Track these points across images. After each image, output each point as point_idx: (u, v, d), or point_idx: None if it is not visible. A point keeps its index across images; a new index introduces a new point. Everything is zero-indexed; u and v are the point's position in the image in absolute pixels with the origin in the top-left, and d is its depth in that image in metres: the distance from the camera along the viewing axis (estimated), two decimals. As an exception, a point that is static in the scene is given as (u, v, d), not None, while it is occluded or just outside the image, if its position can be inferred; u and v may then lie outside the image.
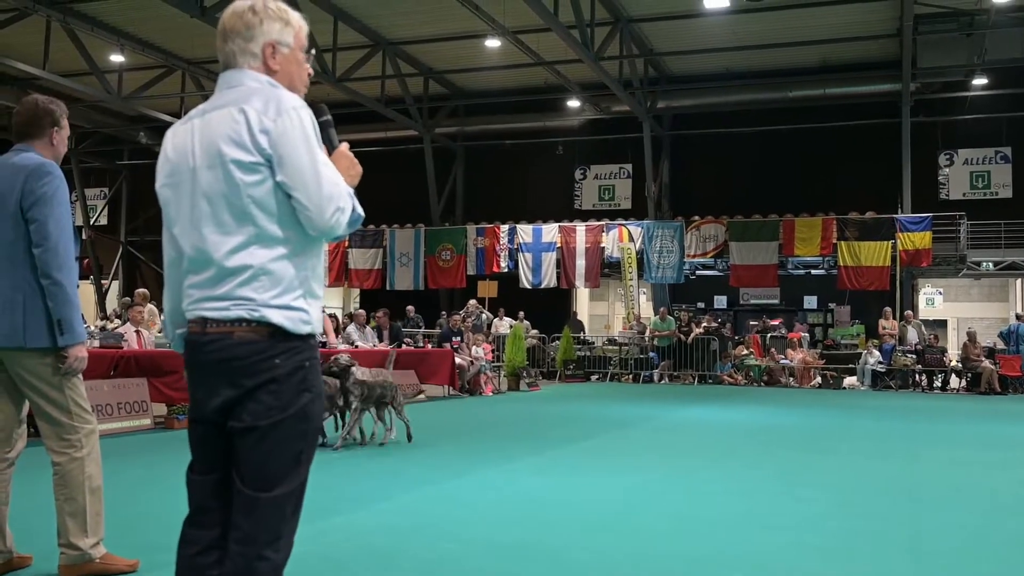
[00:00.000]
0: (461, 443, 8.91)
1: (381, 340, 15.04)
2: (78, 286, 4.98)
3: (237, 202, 2.28)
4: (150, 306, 14.18)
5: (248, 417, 2.28)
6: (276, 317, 2.27)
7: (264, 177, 2.28)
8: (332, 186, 2.27)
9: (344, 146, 2.49)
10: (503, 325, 21.37)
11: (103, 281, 29.69)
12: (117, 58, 22.02)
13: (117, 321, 17.79)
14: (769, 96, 23.57)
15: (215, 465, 2.40)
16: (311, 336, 2.36)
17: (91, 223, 30.47)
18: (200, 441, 2.43)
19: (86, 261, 30.03)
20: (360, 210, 2.35)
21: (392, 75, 23.30)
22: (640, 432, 10.30)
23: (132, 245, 30.58)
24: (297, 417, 2.31)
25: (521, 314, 22.17)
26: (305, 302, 2.33)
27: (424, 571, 4.01)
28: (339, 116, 16.86)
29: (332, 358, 8.21)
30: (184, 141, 2.38)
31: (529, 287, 24.41)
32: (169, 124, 15.68)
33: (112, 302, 25.51)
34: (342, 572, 4.03)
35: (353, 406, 8.17)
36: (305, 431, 2.35)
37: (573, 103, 24.93)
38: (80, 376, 4.41)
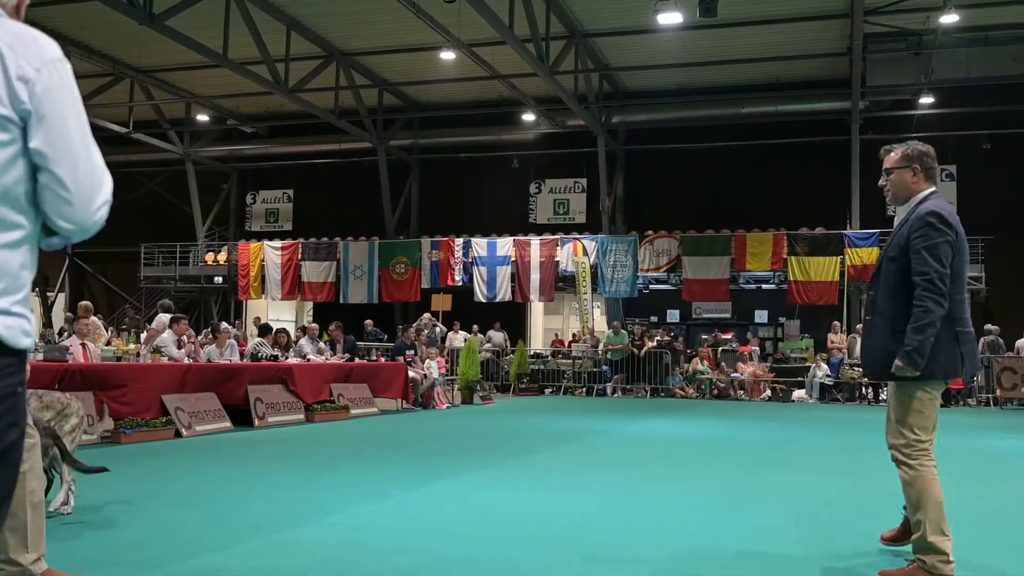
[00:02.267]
0: (413, 457, 8.79)
1: (334, 353, 14.87)
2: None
3: None
4: (94, 318, 13.88)
5: None
6: None
7: (11, 139, 1.75)
8: (102, 172, 1.83)
9: None
10: (458, 339, 21.27)
11: (48, 293, 29.02)
12: (63, 65, 21.59)
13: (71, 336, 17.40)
14: (722, 112, 23.87)
15: None
16: (26, 353, 1.82)
17: (36, 234, 29.80)
18: None
19: (30, 273, 29.37)
20: (107, 211, 1.88)
21: (346, 86, 23.17)
22: (593, 445, 10.27)
23: (78, 257, 29.95)
24: (8, 460, 1.76)
25: (475, 327, 22.11)
26: (26, 308, 1.80)
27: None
28: (292, 127, 16.72)
29: None
30: None
31: (484, 300, 24.36)
32: (119, 135, 15.35)
33: (58, 315, 24.94)
34: None
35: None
36: (4, 479, 1.79)
37: (528, 117, 25.00)
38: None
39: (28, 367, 1.88)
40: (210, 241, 27.82)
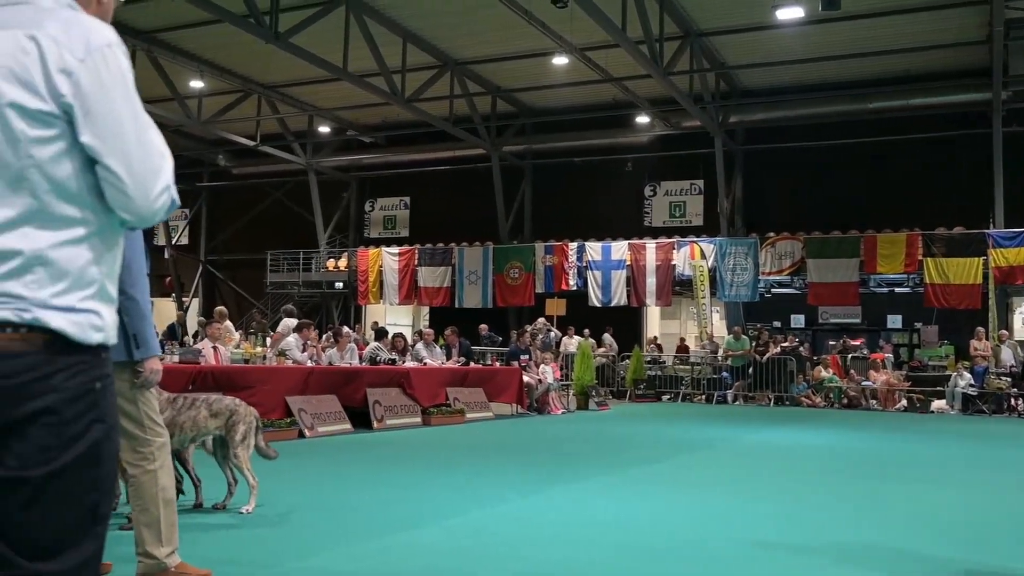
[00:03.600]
0: (529, 462, 8.73)
1: (450, 358, 14.99)
2: (152, 303, 4.97)
3: (13, 162, 1.68)
4: (227, 323, 14.45)
5: (13, 462, 1.63)
6: (56, 320, 1.67)
7: (57, 134, 1.69)
8: (159, 156, 1.75)
9: None
10: (572, 343, 21.18)
11: (184, 298, 30.41)
12: (197, 84, 22.61)
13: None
14: (847, 108, 22.91)
15: None
16: (104, 348, 1.75)
17: (172, 243, 31.30)
18: None
19: (168, 279, 30.86)
20: (176, 195, 1.79)
21: (460, 94, 23.40)
22: (712, 454, 9.99)
23: (211, 264, 31.31)
24: (86, 460, 1.69)
25: (587, 331, 21.96)
26: (97, 304, 1.74)
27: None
28: (409, 136, 16.92)
29: None
30: None
31: (599, 305, 24.16)
32: (246, 148, 15.80)
33: (192, 319, 26.03)
34: None
35: None
36: (98, 479, 1.72)
37: (642, 119, 24.67)
38: (153, 390, 4.43)
39: (108, 361, 1.78)
40: (331, 248, 28.59)
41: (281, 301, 28.75)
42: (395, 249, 26.89)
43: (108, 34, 1.74)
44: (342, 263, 27.46)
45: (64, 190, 1.69)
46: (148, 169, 1.72)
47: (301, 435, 10.00)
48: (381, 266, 26.59)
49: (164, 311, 27.54)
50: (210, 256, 31.50)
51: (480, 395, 13.95)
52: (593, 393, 17.01)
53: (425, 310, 28.37)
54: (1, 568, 1.64)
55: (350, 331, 13.08)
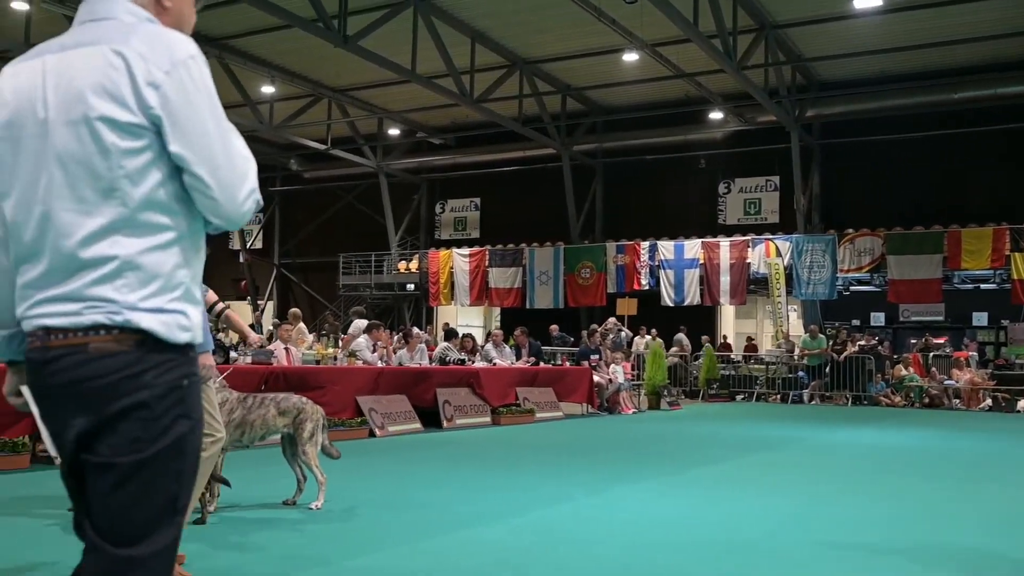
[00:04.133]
0: (597, 461, 8.60)
1: (519, 358, 14.90)
2: (229, 304, 5.01)
3: (105, 173, 1.75)
4: (300, 325, 14.61)
5: (106, 451, 1.74)
6: (147, 321, 1.75)
7: (146, 144, 1.76)
8: (244, 161, 1.83)
9: None
10: (644, 343, 20.91)
11: (259, 302, 31.00)
12: (268, 89, 23.00)
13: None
14: (931, 99, 22.12)
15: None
16: (190, 347, 1.84)
17: (247, 247, 31.92)
18: (69, 483, 1.88)
19: (243, 283, 31.48)
20: (260, 197, 1.88)
21: (529, 94, 23.32)
22: (784, 455, 9.68)
23: (285, 267, 31.85)
24: (171, 452, 1.77)
25: (654, 331, 21.65)
26: (184, 304, 1.82)
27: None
28: (478, 137, 16.86)
29: None
30: (32, 83, 1.81)
31: (671, 304, 23.86)
32: (318, 152, 16.12)
33: (268, 322, 26.51)
34: None
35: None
36: (180, 471, 1.81)
37: (716, 115, 24.24)
38: (225, 391, 4.40)
39: (195, 360, 1.88)
40: (402, 250, 28.81)
41: (353, 303, 29.12)
42: (465, 250, 26.95)
43: (190, 47, 1.82)
44: (413, 265, 27.65)
45: (153, 198, 1.78)
46: (235, 175, 1.80)
47: (371, 434, 10.03)
48: (452, 267, 26.69)
49: (242, 315, 28.06)
50: (284, 260, 32.03)
51: (550, 395, 13.83)
52: (665, 393, 16.73)
53: (497, 311, 28.37)
54: (90, 552, 1.77)
55: (420, 332, 13.07)
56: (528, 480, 7.12)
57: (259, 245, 32.40)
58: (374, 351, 11.38)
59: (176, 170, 1.79)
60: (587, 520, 5.52)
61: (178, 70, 1.77)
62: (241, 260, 31.65)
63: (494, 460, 8.57)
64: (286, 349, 10.44)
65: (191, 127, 1.77)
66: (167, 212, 1.80)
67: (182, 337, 1.81)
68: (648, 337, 21.53)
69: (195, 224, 1.85)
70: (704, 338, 22.70)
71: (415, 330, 13.02)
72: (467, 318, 28.78)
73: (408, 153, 28.97)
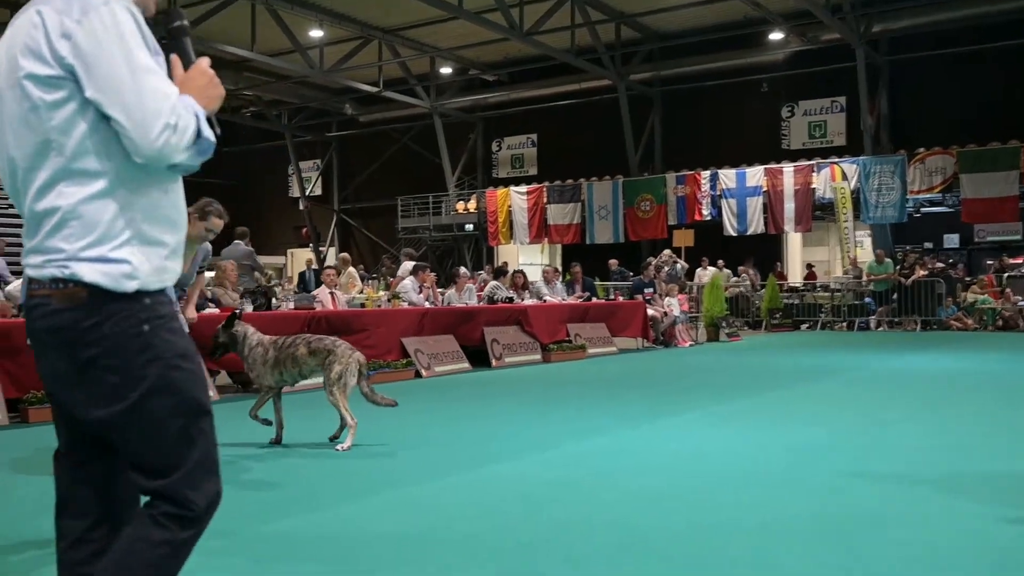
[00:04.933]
0: (642, 394, 8.50)
1: (572, 293, 14.77)
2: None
3: (38, 127, 1.85)
4: (351, 269, 14.72)
5: (100, 405, 1.89)
6: (88, 273, 1.84)
7: (68, 95, 1.83)
8: (159, 97, 1.80)
9: (204, 61, 1.98)
10: (707, 275, 20.57)
11: (320, 248, 31.37)
12: (316, 33, 22.88)
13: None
14: (1001, 7, 20.85)
15: (76, 446, 2.05)
16: (145, 293, 1.90)
17: (306, 194, 32.23)
18: (57, 420, 2.07)
19: (304, 230, 31.87)
20: (210, 134, 1.86)
21: (582, 23, 22.73)
22: (838, 382, 9.42)
23: (344, 212, 32.09)
24: (157, 393, 1.89)
25: (720, 262, 21.26)
26: (131, 251, 1.87)
27: (561, 524, 3.68)
28: (532, 71, 16.34)
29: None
30: None
31: (734, 234, 23.38)
32: (371, 95, 16.13)
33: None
34: (490, 518, 3.91)
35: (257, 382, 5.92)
36: (177, 404, 1.92)
37: (776, 35, 23.30)
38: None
39: (157, 304, 1.93)
40: (460, 190, 28.71)
41: (413, 246, 29.26)
42: (523, 188, 26.75)
43: None
44: (471, 205, 27.57)
45: (85, 147, 1.84)
46: (146, 112, 1.79)
47: (418, 375, 10.07)
48: (510, 206, 26.55)
49: (301, 262, 28.45)
50: (343, 205, 32.25)
51: (603, 330, 13.70)
52: (723, 325, 16.43)
53: (560, 248, 28.20)
54: (135, 484, 1.97)
55: (466, 271, 13.01)
56: (566, 414, 7.10)
57: (318, 191, 32.66)
58: (420, 292, 11.37)
59: (103, 117, 1.83)
60: (623, 452, 5.50)
61: (88, 17, 1.82)
62: (301, 207, 31.99)
63: (536, 396, 8.54)
64: (331, 294, 10.49)
65: (102, 71, 1.80)
66: (101, 158, 1.85)
67: (129, 286, 1.87)
68: (712, 268, 21.19)
69: (134, 169, 1.87)
70: (778, 265, 22.18)
71: (461, 270, 12.95)
72: (529, 256, 28.69)
73: (462, 92, 28.65)
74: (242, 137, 32.97)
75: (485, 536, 3.64)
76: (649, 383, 9.69)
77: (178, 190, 2.01)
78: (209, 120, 1.91)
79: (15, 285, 9.12)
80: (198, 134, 1.84)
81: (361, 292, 13.14)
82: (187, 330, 5.00)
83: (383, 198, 29.58)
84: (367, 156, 31.05)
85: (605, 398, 8.23)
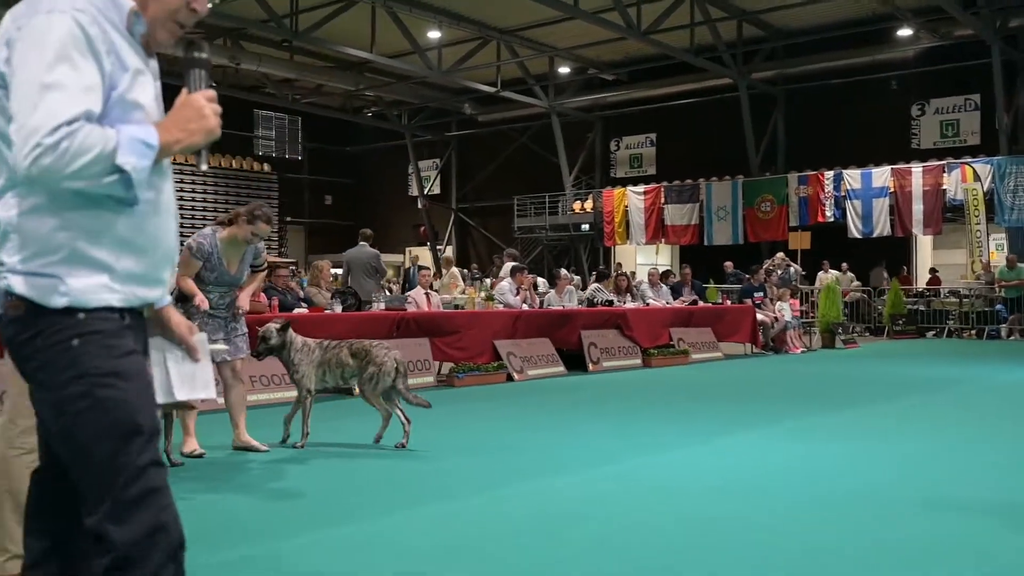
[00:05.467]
0: (730, 403, 8.30)
1: (679, 296, 14.54)
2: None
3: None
4: (454, 269, 14.94)
5: (48, 420, 1.88)
6: (19, 285, 1.81)
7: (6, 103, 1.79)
8: (47, 116, 1.67)
9: (200, 95, 1.88)
10: (828, 278, 19.93)
11: (438, 247, 31.92)
12: (435, 34, 23.29)
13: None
14: None
15: (50, 462, 2.00)
16: (79, 309, 1.82)
17: (425, 192, 32.83)
18: (38, 433, 2.06)
19: (422, 228, 32.47)
20: (128, 164, 1.72)
21: (701, 22, 22.33)
22: (950, 395, 8.96)
23: (462, 211, 32.52)
24: (83, 412, 1.80)
25: (844, 266, 20.50)
26: (65, 269, 1.80)
27: (582, 546, 3.66)
28: (652, 70, 16.13)
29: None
30: None
31: (859, 236, 22.54)
32: (490, 95, 16.35)
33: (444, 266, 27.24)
34: (516, 538, 3.84)
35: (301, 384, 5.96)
36: (106, 426, 1.80)
37: (905, 31, 22.27)
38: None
39: (89, 320, 1.84)
40: (577, 190, 28.67)
41: (529, 246, 29.42)
42: (640, 188, 26.51)
43: (60, 3, 1.75)
44: (588, 204, 27.48)
45: None
46: (25, 130, 1.70)
47: (510, 378, 10.14)
48: (627, 206, 26.38)
49: (423, 260, 28.99)
50: (461, 204, 32.68)
51: (708, 335, 13.46)
52: (839, 331, 15.85)
53: (677, 249, 27.80)
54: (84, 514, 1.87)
55: (567, 273, 13.01)
56: (643, 425, 6.98)
57: (437, 190, 33.21)
58: (517, 294, 11.45)
59: None
60: (684, 468, 5.35)
61: (29, 24, 1.74)
62: (420, 206, 32.59)
63: (623, 403, 8.45)
64: (426, 295, 10.68)
65: (16, 81, 1.74)
66: None
67: (58, 302, 1.80)
68: (834, 272, 20.53)
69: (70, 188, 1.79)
70: (904, 269, 21.18)
71: (563, 272, 12.96)
72: (647, 257, 28.41)
73: (581, 91, 28.58)
74: (364, 137, 33.92)
75: (498, 557, 3.60)
76: (743, 392, 9.46)
77: (149, 214, 1.89)
78: (198, 153, 1.90)
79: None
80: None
81: (463, 293, 13.31)
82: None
83: (500, 197, 29.83)
84: (485, 155, 31.39)
85: (688, 407, 8.08)
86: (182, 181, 27.30)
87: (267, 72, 25.00)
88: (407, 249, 29.10)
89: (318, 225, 33.07)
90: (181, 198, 27.24)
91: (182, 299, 5.35)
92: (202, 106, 1.87)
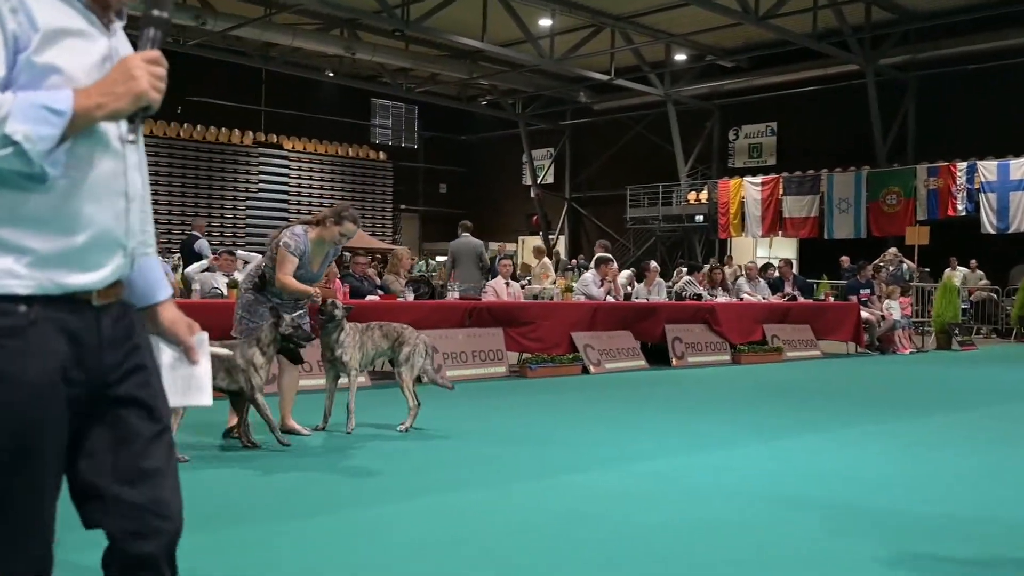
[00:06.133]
0: (803, 404, 7.91)
1: (778, 291, 13.97)
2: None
3: None
4: (545, 260, 14.86)
5: None
6: None
7: None
8: None
9: (137, 55, 1.67)
10: (957, 276, 18.81)
11: (551, 236, 31.83)
12: (546, 22, 23.15)
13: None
14: None
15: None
16: (20, 297, 1.64)
17: (538, 181, 32.77)
18: None
19: (534, 218, 32.43)
20: (17, 133, 1.54)
21: (825, 5, 21.38)
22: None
23: (575, 201, 32.31)
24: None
25: (973, 263, 19.28)
26: (8, 256, 1.64)
27: (593, 548, 3.53)
28: (773, 56, 15.65)
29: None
30: None
31: (993, 232, 21.20)
32: (605, 83, 16.28)
33: (560, 256, 27.09)
34: (527, 535, 3.75)
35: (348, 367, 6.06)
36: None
37: (1052, 10, 20.69)
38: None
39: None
40: (692, 180, 28.02)
41: (642, 237, 28.99)
42: (758, 179, 25.70)
43: None
44: (703, 195, 26.83)
45: None
46: None
47: (585, 371, 9.97)
48: (743, 197, 25.63)
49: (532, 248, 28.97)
50: (574, 193, 32.47)
51: (806, 332, 12.89)
52: (956, 332, 14.90)
53: (796, 242, 26.80)
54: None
55: (656, 265, 12.70)
56: (700, 424, 6.73)
57: (550, 179, 33.10)
58: (601, 286, 11.24)
59: None
60: (723, 470, 5.10)
61: None
62: (533, 195, 32.56)
63: (692, 399, 8.19)
64: (507, 284, 10.63)
65: None
66: None
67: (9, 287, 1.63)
68: (962, 270, 19.37)
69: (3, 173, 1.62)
70: None
71: (652, 264, 12.65)
72: (766, 249, 27.52)
73: (698, 79, 27.86)
74: (478, 126, 34.13)
75: (502, 554, 3.54)
76: (824, 392, 8.99)
77: (71, 191, 1.70)
78: (132, 118, 1.70)
79: (193, 268, 10.05)
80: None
81: (554, 283, 13.21)
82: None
83: (614, 187, 29.48)
84: (600, 144, 31.06)
85: (759, 406, 7.72)
86: (300, 168, 28.22)
87: (383, 62, 25.47)
88: (520, 238, 29.17)
89: (432, 213, 33.54)
90: (298, 185, 28.18)
91: (259, 287, 5.54)
92: (133, 66, 1.64)
